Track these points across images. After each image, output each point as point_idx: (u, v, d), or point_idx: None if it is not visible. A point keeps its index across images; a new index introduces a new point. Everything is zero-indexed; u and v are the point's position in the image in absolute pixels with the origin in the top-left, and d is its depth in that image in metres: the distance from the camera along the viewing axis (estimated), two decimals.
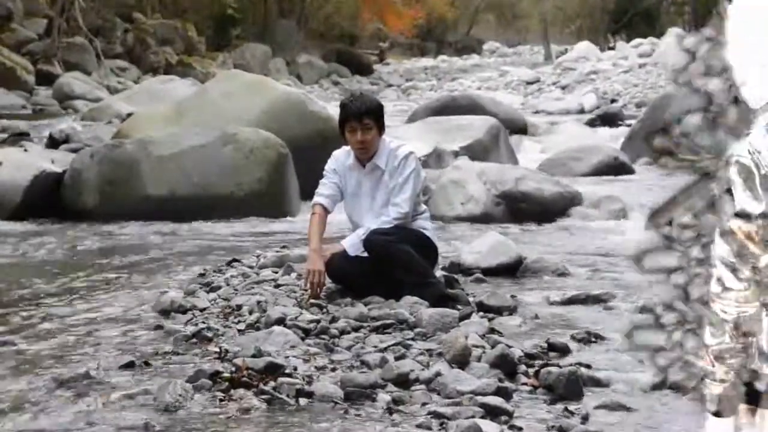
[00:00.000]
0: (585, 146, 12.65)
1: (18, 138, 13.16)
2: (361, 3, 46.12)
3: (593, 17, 50.66)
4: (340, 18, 45.53)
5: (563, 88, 27.15)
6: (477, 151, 11.33)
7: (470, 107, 15.23)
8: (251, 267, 6.05)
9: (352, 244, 5.08)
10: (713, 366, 2.10)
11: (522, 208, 8.63)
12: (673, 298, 2.18)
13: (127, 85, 25.00)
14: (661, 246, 2.16)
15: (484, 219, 8.50)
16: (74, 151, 10.86)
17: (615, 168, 11.70)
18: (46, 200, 9.03)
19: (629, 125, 15.71)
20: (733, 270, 2.00)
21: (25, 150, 10.68)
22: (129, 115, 13.59)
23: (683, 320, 2.19)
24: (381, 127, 5.13)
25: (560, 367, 3.87)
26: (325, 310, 4.76)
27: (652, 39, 32.32)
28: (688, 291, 2.15)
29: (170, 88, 17.36)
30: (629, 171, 11.79)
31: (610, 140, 14.39)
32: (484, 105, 15.83)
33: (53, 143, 12.59)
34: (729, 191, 2.00)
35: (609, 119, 18.43)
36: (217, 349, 4.15)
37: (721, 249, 2.01)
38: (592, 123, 18.37)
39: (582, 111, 21.42)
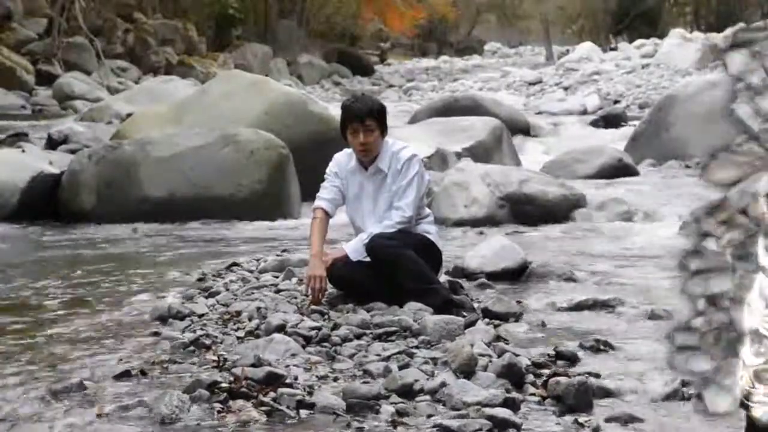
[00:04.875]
0: (589, 148, 12.50)
1: (16, 138, 13.07)
2: (362, 3, 46.06)
3: (595, 18, 50.58)
4: (341, 18, 45.46)
5: (566, 88, 27.00)
6: (480, 153, 11.22)
7: (472, 108, 15.15)
8: (251, 271, 5.95)
9: (355, 249, 4.97)
10: (753, 386, 1.97)
11: (526, 211, 8.51)
12: (705, 309, 2.05)
13: (128, 85, 24.93)
14: (699, 251, 2.02)
15: (487, 222, 8.38)
16: (73, 151, 10.80)
17: (619, 170, 11.57)
18: (44, 202, 8.94)
19: (633, 126, 15.60)
20: None
21: (23, 151, 10.59)
22: (129, 115, 13.51)
23: (718, 332, 2.05)
24: (383, 129, 5.03)
25: (569, 376, 3.75)
26: (326, 316, 4.65)
27: (655, 39, 32.21)
28: (727, 303, 2.01)
29: (170, 88, 17.29)
30: (634, 173, 11.66)
31: (614, 141, 14.27)
32: (486, 106, 15.74)
33: (52, 144, 12.50)
34: None
35: (612, 120, 18.36)
36: (216, 358, 4.03)
37: (764, 260, 1.88)
38: (595, 124, 18.30)
39: (585, 112, 21.30)
